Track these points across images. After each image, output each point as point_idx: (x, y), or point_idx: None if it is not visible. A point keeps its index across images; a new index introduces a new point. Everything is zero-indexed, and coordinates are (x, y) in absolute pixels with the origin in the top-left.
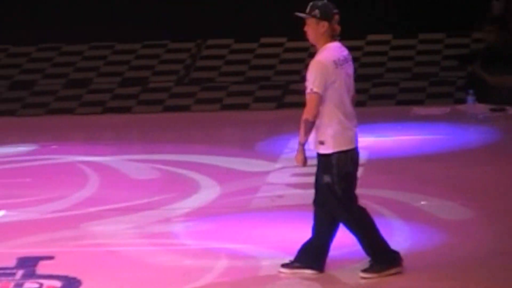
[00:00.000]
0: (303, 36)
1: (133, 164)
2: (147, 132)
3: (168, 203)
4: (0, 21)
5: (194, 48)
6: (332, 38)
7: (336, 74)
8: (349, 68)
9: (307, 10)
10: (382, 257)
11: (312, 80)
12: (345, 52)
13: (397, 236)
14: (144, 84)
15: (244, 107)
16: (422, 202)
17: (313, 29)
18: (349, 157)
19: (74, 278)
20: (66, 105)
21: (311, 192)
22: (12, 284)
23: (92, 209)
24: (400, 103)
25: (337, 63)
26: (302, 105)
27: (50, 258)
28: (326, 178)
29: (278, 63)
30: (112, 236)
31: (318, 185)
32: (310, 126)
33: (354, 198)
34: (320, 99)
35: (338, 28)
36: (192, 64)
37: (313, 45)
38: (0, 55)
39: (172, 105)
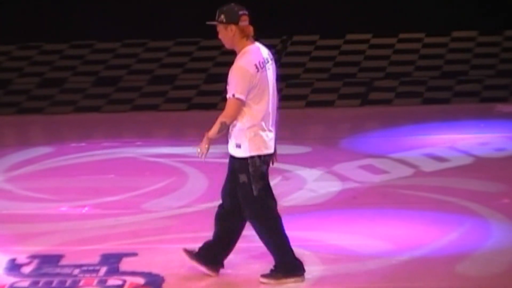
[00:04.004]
0: (388, 33)
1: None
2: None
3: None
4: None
5: (279, 45)
6: (248, 39)
7: (258, 77)
8: (271, 69)
9: (216, 17)
10: (285, 264)
11: (234, 86)
12: (265, 53)
13: (483, 233)
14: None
15: (329, 104)
16: (505, 200)
17: (224, 34)
18: (263, 160)
19: (157, 275)
20: (152, 101)
21: (392, 190)
22: (95, 280)
23: (174, 205)
24: (484, 100)
25: (258, 67)
26: (386, 102)
27: (134, 254)
28: (243, 178)
29: (363, 59)
30: (197, 231)
31: (230, 188)
32: (224, 128)
33: (270, 198)
34: (241, 104)
35: (249, 28)
36: (278, 60)
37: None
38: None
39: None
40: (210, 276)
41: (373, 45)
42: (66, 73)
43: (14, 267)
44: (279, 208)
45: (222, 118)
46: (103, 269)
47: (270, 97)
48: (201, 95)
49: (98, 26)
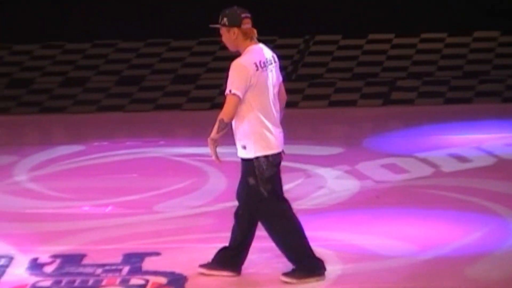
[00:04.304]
0: (411, 33)
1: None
2: None
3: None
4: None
5: (302, 44)
6: (251, 40)
7: (257, 76)
8: (273, 71)
9: (219, 20)
10: (304, 265)
11: (231, 82)
12: (268, 54)
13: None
14: None
15: (351, 103)
16: None
17: (226, 37)
18: (271, 161)
19: (180, 274)
20: (174, 100)
21: (414, 189)
22: (118, 280)
23: (196, 204)
24: (506, 100)
25: (258, 66)
26: (409, 102)
27: (156, 254)
28: (251, 181)
29: (385, 59)
30: (219, 231)
31: (243, 190)
32: (224, 126)
33: (280, 199)
34: (238, 101)
35: (252, 31)
36: (300, 60)
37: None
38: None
39: None
40: (232, 276)
41: (396, 45)
42: (89, 73)
43: (36, 266)
44: (301, 208)
45: (221, 115)
46: (126, 269)
47: (271, 97)
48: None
49: (121, 25)
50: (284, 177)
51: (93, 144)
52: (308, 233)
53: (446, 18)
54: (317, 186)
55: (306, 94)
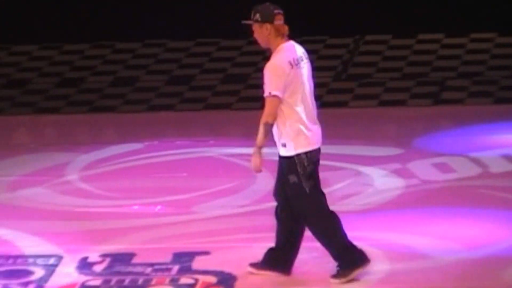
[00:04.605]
0: (459, 33)
1: None
2: None
3: (330, 198)
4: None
5: (352, 44)
6: (282, 37)
7: (292, 74)
8: (306, 67)
9: (251, 16)
10: (346, 261)
11: (270, 83)
12: (300, 51)
13: None
14: None
15: (401, 103)
16: None
17: (259, 33)
18: (310, 157)
19: (229, 274)
20: (224, 100)
21: (464, 189)
22: (167, 279)
23: (246, 204)
24: None
25: (293, 64)
26: (458, 101)
27: (206, 253)
28: (293, 178)
29: (435, 59)
30: (268, 230)
31: (283, 188)
32: (270, 129)
33: (322, 196)
34: (279, 101)
35: (284, 27)
36: (350, 59)
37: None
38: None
39: (329, 101)
40: (282, 275)
41: (445, 45)
42: (139, 72)
43: (86, 265)
44: (350, 207)
45: (264, 119)
46: (175, 268)
47: (307, 93)
48: None
49: (167, 25)
50: (333, 176)
51: (144, 144)
52: (357, 233)
53: (495, 18)
54: (366, 186)
55: (356, 94)
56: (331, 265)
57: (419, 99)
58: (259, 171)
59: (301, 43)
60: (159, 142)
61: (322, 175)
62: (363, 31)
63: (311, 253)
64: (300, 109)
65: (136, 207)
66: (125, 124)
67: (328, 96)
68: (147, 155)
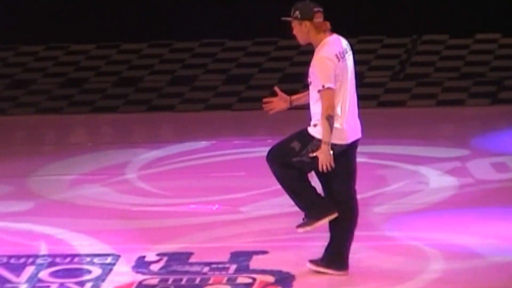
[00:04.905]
0: None
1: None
2: (363, 127)
3: (381, 198)
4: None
5: (409, 44)
6: (324, 32)
7: (340, 67)
8: (350, 60)
9: (291, 13)
10: (312, 209)
11: (322, 77)
12: (344, 43)
13: None
14: (360, 79)
15: (459, 102)
16: None
17: (298, 30)
18: (331, 150)
19: (287, 273)
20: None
21: None
22: (225, 278)
23: None
24: None
25: (339, 57)
26: None
27: (264, 252)
28: (296, 145)
29: (493, 59)
30: (327, 230)
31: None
32: (332, 121)
33: (302, 174)
34: (334, 92)
35: (324, 24)
36: (408, 59)
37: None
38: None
39: (386, 100)
40: (340, 274)
41: (503, 45)
42: (196, 71)
43: (143, 264)
44: (406, 207)
45: (324, 113)
46: (233, 267)
47: (348, 87)
48: None
49: (227, 25)
50: (390, 176)
51: (201, 143)
52: (413, 233)
53: None
54: (423, 186)
55: (413, 93)
56: (390, 265)
57: (477, 99)
58: (332, 167)
59: (358, 42)
60: (217, 141)
61: (379, 174)
62: (420, 30)
63: (368, 252)
64: (338, 102)
65: (193, 206)
66: (183, 123)
67: (386, 96)
68: (205, 154)
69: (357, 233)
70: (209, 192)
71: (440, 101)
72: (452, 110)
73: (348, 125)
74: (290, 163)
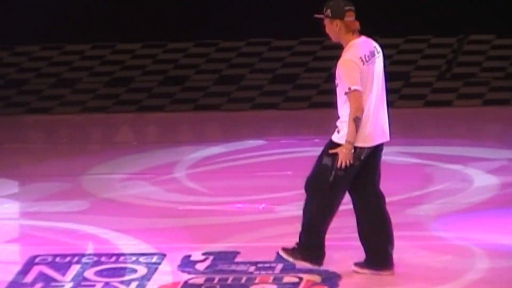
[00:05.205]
0: None
1: (394, 158)
2: (408, 127)
3: (428, 197)
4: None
5: (456, 43)
6: (354, 33)
7: (364, 71)
8: (378, 63)
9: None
10: (307, 248)
11: (347, 79)
12: (372, 46)
13: None
14: (407, 78)
15: (506, 102)
16: None
17: (329, 28)
18: (359, 154)
19: (334, 273)
20: (327, 99)
21: None
22: (271, 278)
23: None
24: None
25: (364, 60)
26: None
27: None
28: (326, 160)
29: None
30: None
31: (316, 167)
32: (359, 123)
33: (342, 191)
34: (361, 94)
35: (354, 24)
36: (454, 59)
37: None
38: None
39: (434, 100)
40: (385, 275)
41: None
42: (244, 70)
43: (189, 263)
44: (452, 207)
45: (352, 115)
46: (279, 266)
47: (375, 91)
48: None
49: (276, 23)
50: (436, 175)
51: (248, 142)
52: (459, 232)
53: None
54: (469, 185)
55: (460, 93)
56: (437, 264)
57: None
58: (353, 165)
59: (405, 42)
60: (263, 141)
61: (426, 173)
62: (467, 30)
63: (415, 252)
64: (366, 104)
65: (240, 205)
66: (229, 122)
67: (433, 96)
68: (251, 153)
69: (404, 232)
70: (255, 191)
71: (486, 100)
72: (498, 109)
73: (373, 128)
74: (326, 191)
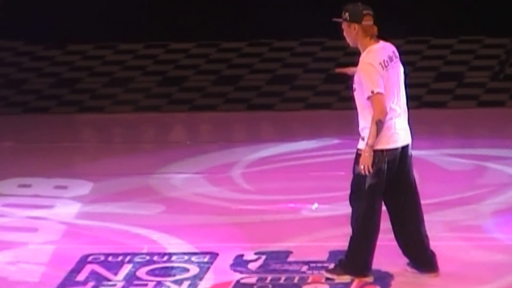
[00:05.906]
0: None
1: (447, 159)
2: (461, 127)
3: (481, 198)
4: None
5: (509, 44)
6: (371, 38)
7: (383, 76)
8: (397, 67)
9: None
10: (354, 265)
11: (370, 82)
12: (390, 51)
13: None
14: (460, 79)
15: None
16: None
17: (347, 32)
18: (385, 156)
19: (386, 272)
20: None
21: None
22: (323, 277)
23: None
24: None
25: (383, 65)
26: None
27: None
28: (358, 169)
29: None
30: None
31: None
32: (382, 127)
33: (378, 197)
34: (384, 97)
35: (372, 28)
36: (507, 60)
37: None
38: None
39: (486, 101)
40: (437, 275)
41: None
42: (297, 70)
43: (241, 263)
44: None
45: (375, 118)
46: (332, 266)
47: (396, 94)
48: (432, 93)
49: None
50: (488, 176)
51: (302, 142)
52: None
53: None
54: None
55: (510, 96)
56: (488, 264)
57: None
58: (369, 171)
59: (458, 42)
60: (317, 141)
61: (478, 174)
62: None
63: (467, 252)
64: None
65: (292, 205)
66: (283, 122)
67: (486, 96)
68: (305, 154)
69: (456, 233)
70: (309, 191)
71: None
72: None
73: (395, 130)
74: (364, 200)
